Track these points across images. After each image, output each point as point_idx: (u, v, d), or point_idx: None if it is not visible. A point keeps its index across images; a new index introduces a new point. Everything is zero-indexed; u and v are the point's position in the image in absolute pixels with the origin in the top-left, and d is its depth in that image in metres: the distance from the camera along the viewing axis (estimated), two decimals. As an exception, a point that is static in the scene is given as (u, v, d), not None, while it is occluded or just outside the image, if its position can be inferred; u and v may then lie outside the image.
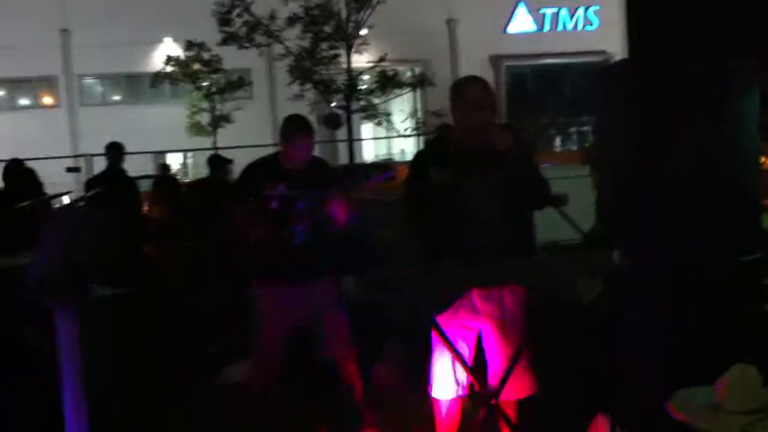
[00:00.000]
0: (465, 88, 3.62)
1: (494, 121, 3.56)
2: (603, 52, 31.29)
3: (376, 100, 24.66)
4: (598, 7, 34.21)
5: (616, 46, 31.42)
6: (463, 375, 3.53)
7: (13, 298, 4.12)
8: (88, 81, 30.82)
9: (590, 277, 3.43)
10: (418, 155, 4.13)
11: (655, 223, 3.25)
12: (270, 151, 6.08)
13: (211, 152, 15.44)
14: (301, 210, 4.26)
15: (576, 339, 3.78)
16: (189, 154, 26.43)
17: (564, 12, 34.26)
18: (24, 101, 30.68)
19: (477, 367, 3.50)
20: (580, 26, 34.47)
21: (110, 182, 8.16)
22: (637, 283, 3.24)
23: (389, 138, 28.65)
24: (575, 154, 20.95)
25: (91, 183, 9.10)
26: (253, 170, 4.47)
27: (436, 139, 4.53)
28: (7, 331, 3.68)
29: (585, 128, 32.05)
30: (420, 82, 25.61)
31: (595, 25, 34.33)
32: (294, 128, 4.37)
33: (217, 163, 9.18)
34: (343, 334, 4.36)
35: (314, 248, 4.27)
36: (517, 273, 3.25)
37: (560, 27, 34.39)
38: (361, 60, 24.80)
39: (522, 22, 33.96)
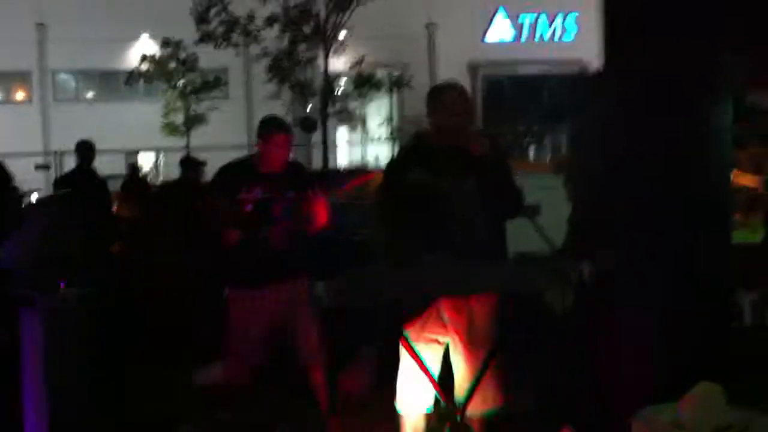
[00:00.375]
0: (442, 93, 3.65)
1: (469, 126, 3.58)
2: (579, 61, 31.56)
3: (352, 104, 24.64)
4: (576, 14, 34.48)
5: (592, 54, 31.73)
6: (429, 389, 3.51)
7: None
8: (62, 76, 30.49)
9: (561, 287, 3.44)
10: (394, 157, 4.14)
11: (626, 232, 3.26)
12: (244, 152, 6.05)
13: (184, 153, 15.35)
14: (277, 213, 4.24)
15: (545, 350, 3.78)
16: (162, 154, 26.23)
17: (542, 19, 34.47)
18: (-5, 95, 30.29)
19: (443, 380, 3.49)
20: (557, 35, 34.71)
21: (80, 181, 8.07)
22: (607, 293, 3.25)
23: (363, 143, 28.65)
24: (550, 164, 21.08)
25: (61, 181, 9.00)
26: (227, 172, 4.44)
27: (413, 143, 4.53)
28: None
29: (560, 138, 32.26)
30: (396, 84, 25.61)
31: (573, 33, 34.57)
32: (271, 128, 4.34)
33: (190, 164, 9.11)
34: (313, 339, 4.35)
35: (288, 251, 4.25)
36: (487, 279, 3.24)
37: (537, 36, 34.61)
38: (339, 63, 24.77)
39: (500, 30, 34.12)
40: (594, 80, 4.49)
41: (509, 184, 3.65)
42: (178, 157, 12.31)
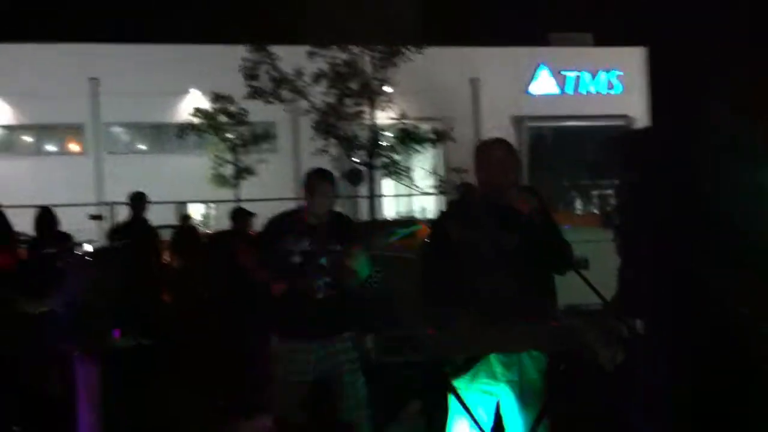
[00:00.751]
0: (489, 149, 3.65)
1: (517, 183, 3.57)
2: (625, 116, 31.49)
3: (397, 157, 24.84)
4: (620, 73, 34.50)
5: (638, 111, 31.62)
6: None
7: (37, 344, 4.14)
8: (115, 129, 31.30)
9: (612, 343, 3.40)
10: (442, 213, 4.14)
11: (674, 293, 3.23)
12: (292, 204, 6.14)
13: (234, 204, 15.56)
14: (323, 265, 4.26)
15: (597, 407, 3.72)
16: (211, 205, 26.64)
17: (586, 76, 34.55)
18: (51, 147, 31.17)
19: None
20: (602, 90, 34.71)
21: (133, 231, 8.22)
22: (658, 351, 3.21)
23: (410, 195, 28.77)
24: (596, 218, 20.92)
25: (115, 232, 9.18)
26: (275, 224, 4.49)
27: (460, 198, 4.54)
28: (30, 377, 3.70)
29: (606, 191, 32.01)
30: (439, 137, 25.79)
31: (618, 90, 34.56)
32: (317, 180, 4.41)
33: (241, 216, 9.24)
34: (359, 393, 4.32)
35: (334, 304, 4.26)
36: (537, 337, 3.22)
37: (582, 90, 34.64)
38: (384, 117, 25.07)
39: (544, 84, 34.27)
40: (642, 136, 4.49)
41: (557, 240, 3.62)
42: (226, 208, 12.50)
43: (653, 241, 3.51)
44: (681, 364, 3.23)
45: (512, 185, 3.53)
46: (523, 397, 3.46)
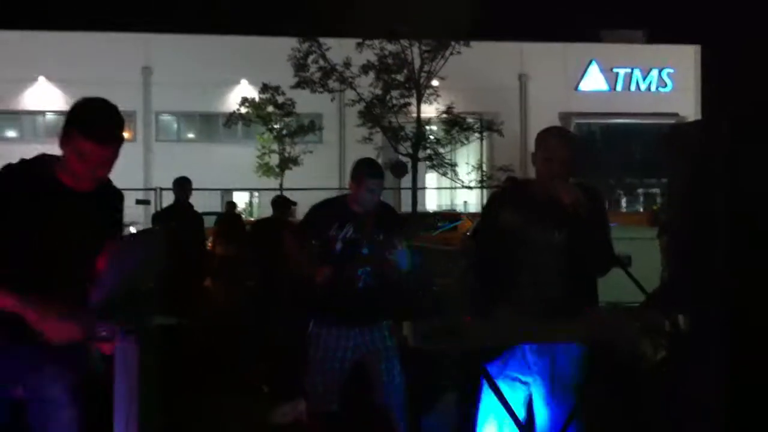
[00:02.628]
0: (542, 137, 3.59)
1: (563, 174, 3.48)
2: (675, 115, 30.96)
3: (442, 150, 24.76)
4: (672, 70, 33.92)
5: (689, 109, 31.07)
6: (509, 431, 3.43)
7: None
8: (165, 117, 31.75)
9: (654, 338, 3.34)
10: (492, 197, 4.07)
11: (721, 290, 3.16)
12: (335, 194, 6.13)
13: (277, 193, 15.66)
14: (366, 254, 4.25)
15: (636, 402, 3.66)
16: (255, 194, 26.87)
17: (637, 72, 34.03)
18: (102, 134, 31.66)
19: (525, 426, 3.39)
20: (653, 88, 34.16)
21: (178, 215, 8.28)
22: (701, 348, 3.14)
23: (453, 188, 28.68)
24: (641, 216, 20.64)
25: (159, 216, 9.28)
26: (320, 210, 4.49)
27: (508, 188, 4.48)
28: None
29: (653, 190, 31.56)
30: (487, 128, 25.61)
31: (669, 88, 33.99)
32: (365, 171, 4.37)
33: (281, 204, 9.29)
34: (395, 382, 4.31)
35: (375, 293, 4.26)
36: (576, 329, 3.17)
37: (633, 87, 34.13)
38: (430, 110, 25.00)
39: (594, 81, 33.85)
40: (692, 131, 4.39)
41: (601, 243, 3.52)
42: (270, 197, 12.59)
43: (703, 237, 3.44)
44: (725, 361, 3.16)
45: (555, 175, 3.45)
46: (554, 388, 3.41)
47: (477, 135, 26.21)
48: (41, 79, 29.96)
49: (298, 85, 23.78)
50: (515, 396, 3.41)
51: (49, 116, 31.03)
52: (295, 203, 9.59)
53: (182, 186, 8.54)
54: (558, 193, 3.41)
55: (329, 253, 4.28)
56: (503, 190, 3.99)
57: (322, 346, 4.31)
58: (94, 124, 2.79)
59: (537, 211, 3.43)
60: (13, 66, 28.46)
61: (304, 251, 4.44)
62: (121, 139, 2.82)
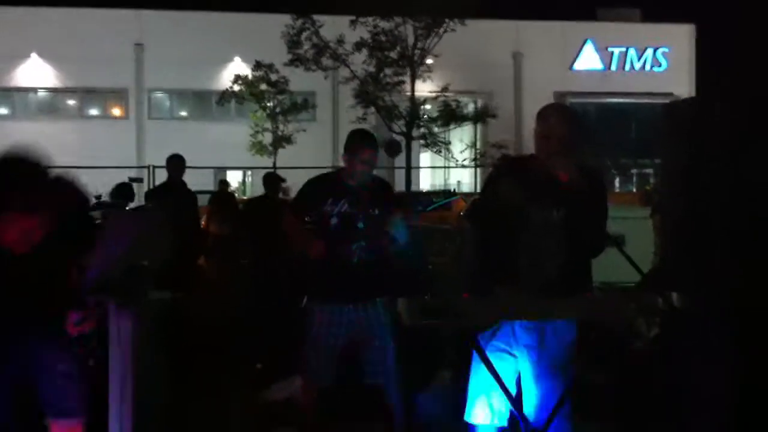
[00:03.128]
0: (540, 115, 3.57)
1: (561, 152, 3.46)
2: (670, 94, 30.91)
3: (436, 129, 24.71)
4: (667, 49, 33.84)
5: (683, 88, 31.04)
6: (500, 403, 3.43)
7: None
8: (157, 95, 31.58)
9: (647, 317, 3.35)
10: (490, 175, 4.05)
11: (721, 265, 3.16)
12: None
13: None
14: (361, 229, 4.24)
15: (630, 379, 3.68)
16: (249, 173, 26.80)
17: (632, 52, 33.94)
18: (94, 111, 31.57)
19: (515, 397, 3.39)
20: (648, 67, 34.09)
21: (171, 193, 8.24)
22: (698, 324, 3.15)
23: (447, 168, 28.64)
24: (634, 196, 20.66)
25: (153, 193, 9.25)
26: (314, 184, 4.46)
27: (510, 162, 4.44)
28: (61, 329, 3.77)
29: (647, 170, 31.61)
30: (481, 116, 25.59)
31: (664, 67, 33.92)
32: (360, 141, 4.34)
33: (272, 181, 9.28)
34: (389, 359, 4.32)
35: (370, 269, 4.24)
36: (571, 307, 3.18)
37: (628, 67, 34.06)
38: (424, 88, 24.92)
39: (589, 60, 33.75)
40: (687, 108, 4.38)
41: (597, 223, 3.50)
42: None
43: (698, 215, 3.44)
44: (721, 340, 3.17)
45: (551, 152, 3.44)
46: (541, 364, 3.41)
47: (472, 122, 26.15)
48: (33, 55, 29.70)
49: (291, 63, 23.64)
50: (504, 366, 3.41)
51: (41, 93, 30.83)
52: (284, 180, 9.59)
53: (175, 164, 8.50)
54: (555, 170, 3.40)
55: (324, 228, 4.26)
56: (500, 167, 3.96)
57: (316, 322, 4.31)
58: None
59: (535, 188, 3.42)
60: (5, 43, 28.23)
61: (301, 227, 4.42)
62: None
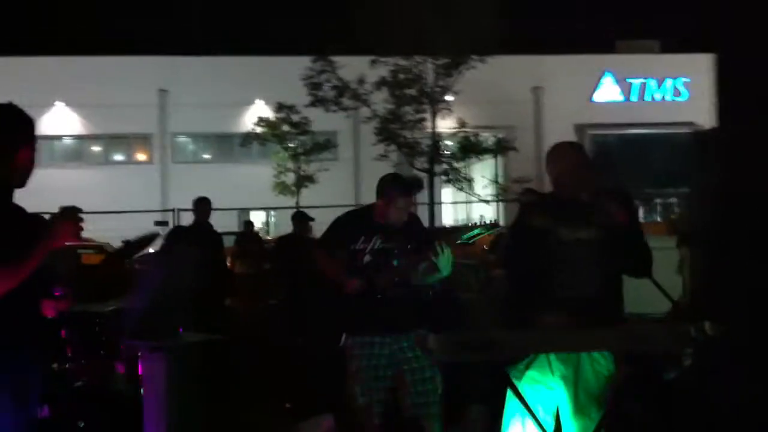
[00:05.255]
0: (561, 148, 3.61)
1: (593, 183, 3.50)
2: (691, 124, 30.82)
3: (457, 165, 24.74)
4: (687, 79, 33.81)
5: (705, 118, 30.94)
6: None
7: (108, 341, 4.24)
8: (181, 139, 31.96)
9: (679, 347, 3.32)
10: (522, 211, 4.07)
11: (751, 293, 3.14)
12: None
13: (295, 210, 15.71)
14: (396, 265, 4.22)
15: (664, 410, 3.63)
16: (272, 212, 26.92)
17: (652, 82, 33.94)
18: (119, 156, 31.99)
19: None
20: (668, 97, 34.03)
21: (197, 235, 8.30)
22: (732, 353, 3.12)
23: (470, 203, 28.62)
24: (659, 226, 20.51)
25: (176, 233, 9.32)
26: (344, 223, 4.45)
27: (538, 198, 4.48)
28: (99, 372, 3.81)
29: (670, 200, 31.41)
30: (501, 149, 25.61)
31: (685, 97, 33.86)
32: (396, 190, 4.31)
33: (300, 219, 9.33)
34: (428, 393, 4.26)
35: (405, 302, 4.22)
36: (608, 338, 3.16)
37: (648, 97, 34.02)
38: (445, 125, 25.03)
39: (608, 92, 33.77)
40: (711, 139, 4.39)
41: (641, 245, 3.52)
42: (287, 215, 12.64)
43: (728, 245, 3.43)
44: (757, 368, 3.13)
45: (590, 182, 3.48)
46: (577, 395, 3.38)
47: (492, 156, 26.17)
48: (58, 103, 30.26)
49: (312, 104, 23.88)
50: (541, 398, 3.39)
51: (67, 140, 31.30)
52: (313, 219, 9.66)
53: (202, 206, 8.58)
54: (605, 204, 3.41)
55: (356, 265, 4.25)
56: (528, 203, 3.98)
57: (357, 357, 4.26)
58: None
59: (564, 211, 3.44)
60: (31, 92, 28.76)
61: (335, 263, 4.40)
62: None
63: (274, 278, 8.47)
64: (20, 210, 2.82)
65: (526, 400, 3.13)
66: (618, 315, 3.38)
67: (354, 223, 4.42)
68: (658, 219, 29.17)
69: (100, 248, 16.46)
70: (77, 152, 31.45)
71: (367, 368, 4.22)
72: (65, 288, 3.01)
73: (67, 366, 4.47)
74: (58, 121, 30.49)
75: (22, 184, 2.84)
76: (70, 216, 2.76)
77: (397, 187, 4.31)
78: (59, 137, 31.04)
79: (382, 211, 4.30)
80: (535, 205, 3.63)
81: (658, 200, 31.94)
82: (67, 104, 30.21)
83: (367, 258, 4.24)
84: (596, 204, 3.38)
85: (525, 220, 3.58)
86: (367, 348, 4.23)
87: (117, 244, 13.70)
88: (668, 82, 33.96)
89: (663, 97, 34.04)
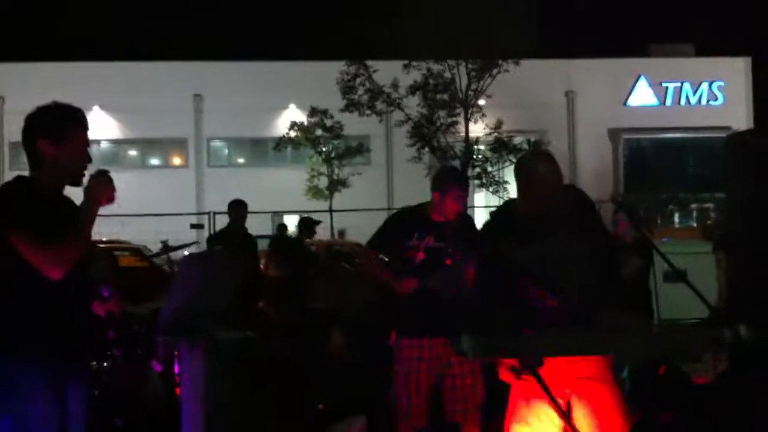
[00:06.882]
0: (531, 164, 3.57)
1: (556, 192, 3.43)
2: (728, 128, 30.43)
3: (490, 168, 24.69)
4: (722, 83, 33.38)
5: (741, 122, 30.54)
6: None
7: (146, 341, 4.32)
8: (216, 143, 32.27)
9: (714, 352, 3.31)
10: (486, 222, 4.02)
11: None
12: (384, 215, 6.09)
13: (326, 215, 15.80)
14: (449, 264, 4.17)
15: (696, 416, 3.62)
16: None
17: (687, 86, 33.56)
18: (155, 161, 32.38)
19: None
20: (704, 101, 33.62)
21: (232, 238, 8.40)
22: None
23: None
24: (694, 231, 20.28)
25: (213, 239, 9.44)
26: (398, 220, 4.41)
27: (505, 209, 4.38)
28: (137, 371, 3.89)
29: (706, 205, 31.05)
30: (535, 148, 25.46)
31: (721, 101, 33.43)
32: (453, 180, 4.28)
33: (307, 224, 9.53)
34: (469, 399, 4.23)
35: (457, 302, 4.13)
36: (635, 343, 3.16)
37: (683, 101, 33.64)
38: (478, 129, 24.99)
39: (643, 96, 33.45)
40: (744, 142, 4.36)
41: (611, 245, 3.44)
42: (321, 219, 12.76)
43: (764, 249, 3.41)
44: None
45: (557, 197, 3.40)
46: (585, 397, 3.35)
47: (525, 154, 26.01)
48: (96, 108, 30.72)
49: (346, 108, 23.99)
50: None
51: (104, 144, 31.75)
52: (319, 222, 10.11)
53: (237, 210, 8.68)
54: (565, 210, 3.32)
55: (409, 264, 4.20)
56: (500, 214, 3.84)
57: (406, 359, 4.22)
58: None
59: (544, 233, 3.36)
60: (69, 97, 29.06)
61: (378, 263, 4.37)
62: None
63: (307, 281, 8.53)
64: (69, 201, 2.92)
65: (551, 395, 3.12)
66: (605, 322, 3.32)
67: (408, 219, 4.35)
68: (694, 224, 28.84)
69: (136, 251, 16.69)
70: (114, 156, 31.86)
71: (417, 371, 4.17)
72: (112, 289, 3.09)
73: (105, 364, 4.58)
74: (95, 126, 30.83)
75: (73, 180, 2.92)
76: (104, 179, 2.86)
77: (454, 179, 4.28)
78: (97, 141, 31.48)
79: (437, 205, 4.24)
80: (502, 228, 3.53)
81: (693, 205, 31.58)
82: (104, 109, 30.67)
83: (421, 256, 4.16)
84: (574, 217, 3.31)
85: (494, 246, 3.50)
86: (416, 350, 4.18)
87: (153, 246, 13.90)
88: (704, 86, 33.55)
89: (699, 101, 33.63)
